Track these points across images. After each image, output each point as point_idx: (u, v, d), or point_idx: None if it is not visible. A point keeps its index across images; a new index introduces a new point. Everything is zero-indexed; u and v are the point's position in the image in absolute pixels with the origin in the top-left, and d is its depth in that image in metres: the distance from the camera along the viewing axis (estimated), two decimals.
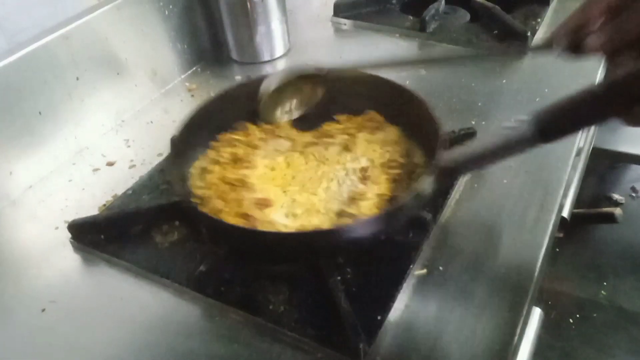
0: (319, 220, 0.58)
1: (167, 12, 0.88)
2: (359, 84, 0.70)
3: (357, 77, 0.70)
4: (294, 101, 0.70)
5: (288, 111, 0.71)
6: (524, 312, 0.53)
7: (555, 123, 0.49)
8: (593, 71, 0.88)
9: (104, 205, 0.69)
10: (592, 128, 0.94)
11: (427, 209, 0.60)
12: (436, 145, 0.57)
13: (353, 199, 0.60)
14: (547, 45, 0.54)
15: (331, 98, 0.70)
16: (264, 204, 0.59)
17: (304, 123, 0.72)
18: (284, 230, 0.57)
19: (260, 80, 0.68)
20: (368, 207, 0.58)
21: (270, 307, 0.54)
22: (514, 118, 0.50)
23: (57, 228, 0.66)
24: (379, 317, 0.52)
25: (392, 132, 0.69)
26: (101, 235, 0.63)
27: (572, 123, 0.50)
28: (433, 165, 0.55)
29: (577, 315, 1.40)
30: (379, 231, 0.56)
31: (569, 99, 0.48)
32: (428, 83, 0.86)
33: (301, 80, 0.68)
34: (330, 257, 0.57)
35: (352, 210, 0.58)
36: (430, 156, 0.60)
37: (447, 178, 0.60)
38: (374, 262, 0.58)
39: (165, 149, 0.75)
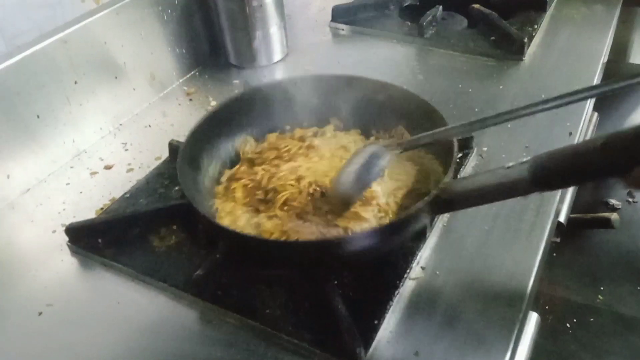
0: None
1: (165, 17, 0.88)
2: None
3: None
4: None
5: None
6: (521, 317, 0.53)
7: (551, 173, 0.47)
8: (589, 78, 0.88)
9: (102, 208, 0.69)
10: (589, 130, 0.94)
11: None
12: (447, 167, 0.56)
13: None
14: None
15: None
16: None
17: None
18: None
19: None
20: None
21: (267, 311, 0.54)
22: (514, 161, 0.49)
23: (54, 231, 0.66)
24: (375, 322, 0.52)
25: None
26: (98, 239, 0.63)
27: (568, 176, 0.48)
28: (434, 192, 0.54)
29: (574, 320, 1.40)
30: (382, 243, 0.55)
31: (570, 151, 0.46)
32: (425, 88, 0.87)
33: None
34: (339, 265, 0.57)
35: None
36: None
37: (441, 209, 0.58)
38: (371, 266, 0.58)
39: (163, 152, 0.76)
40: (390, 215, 0.59)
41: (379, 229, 0.56)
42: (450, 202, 0.54)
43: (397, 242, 0.58)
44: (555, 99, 0.51)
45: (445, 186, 0.54)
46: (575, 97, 0.50)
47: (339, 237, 0.56)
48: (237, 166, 0.69)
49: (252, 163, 0.68)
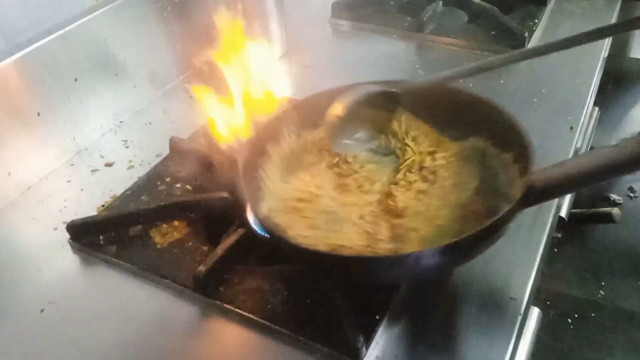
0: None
1: (165, 14, 0.88)
2: (439, 99, 0.64)
3: (436, 92, 0.63)
4: (368, 127, 0.63)
5: (363, 139, 0.63)
6: (522, 312, 0.54)
7: None
8: (590, 72, 0.88)
9: (103, 206, 0.69)
10: (590, 125, 0.94)
11: None
12: (527, 162, 0.52)
13: None
14: None
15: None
16: None
17: None
18: None
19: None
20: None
21: (269, 306, 0.54)
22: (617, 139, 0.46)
23: (55, 229, 0.66)
24: (377, 316, 0.52)
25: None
26: (100, 236, 0.63)
27: None
28: (524, 184, 0.49)
29: (576, 315, 1.40)
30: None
31: None
32: None
33: (373, 100, 0.61)
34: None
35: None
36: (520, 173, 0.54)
37: (534, 201, 0.51)
38: None
39: (164, 149, 0.76)
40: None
41: (470, 236, 0.46)
42: (547, 190, 0.49)
43: (484, 250, 0.51)
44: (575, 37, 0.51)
45: (539, 174, 0.49)
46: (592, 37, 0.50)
47: (425, 250, 0.50)
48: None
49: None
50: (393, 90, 0.62)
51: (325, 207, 0.57)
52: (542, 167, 0.51)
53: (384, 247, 0.52)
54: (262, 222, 0.54)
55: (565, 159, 0.53)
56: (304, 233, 0.54)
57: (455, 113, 0.64)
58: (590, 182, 0.49)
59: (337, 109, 0.59)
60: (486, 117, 0.61)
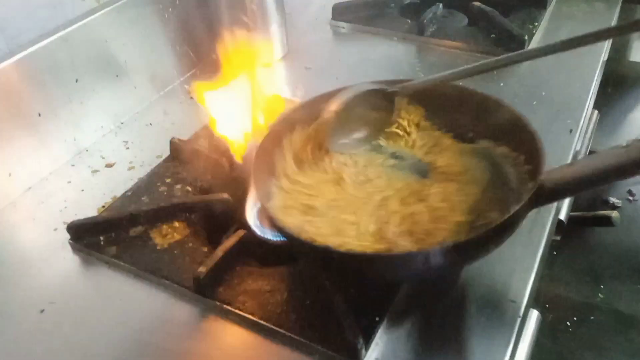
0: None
1: (166, 15, 0.88)
2: (441, 97, 0.64)
3: (436, 89, 0.63)
4: (366, 126, 0.62)
5: (361, 138, 0.63)
6: (521, 315, 0.54)
7: None
8: (590, 74, 0.88)
9: (103, 206, 0.69)
10: (589, 128, 0.95)
11: None
12: (538, 162, 0.51)
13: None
14: None
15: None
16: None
17: None
18: None
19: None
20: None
21: (269, 307, 0.54)
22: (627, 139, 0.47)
23: (56, 229, 0.66)
24: (376, 318, 0.52)
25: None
26: (100, 237, 0.63)
27: None
28: (534, 183, 0.50)
29: (574, 318, 1.40)
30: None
31: None
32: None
33: (372, 100, 0.61)
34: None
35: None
36: (530, 175, 0.54)
37: (545, 201, 0.52)
38: None
39: (164, 150, 0.76)
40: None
41: (480, 235, 0.48)
42: (556, 191, 0.50)
43: (492, 250, 0.52)
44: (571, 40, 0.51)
45: (549, 174, 0.50)
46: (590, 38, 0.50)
47: (429, 249, 0.50)
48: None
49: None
50: (392, 89, 0.62)
51: (331, 205, 0.57)
52: (551, 168, 0.51)
53: (395, 245, 0.51)
54: (273, 221, 0.53)
55: (576, 160, 0.53)
56: (312, 231, 0.54)
57: (461, 112, 0.64)
58: (600, 183, 0.49)
59: (334, 106, 0.59)
60: (493, 115, 0.61)
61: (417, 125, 0.66)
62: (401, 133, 0.65)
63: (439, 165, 0.61)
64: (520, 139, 0.57)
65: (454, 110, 0.64)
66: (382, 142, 0.65)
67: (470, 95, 0.64)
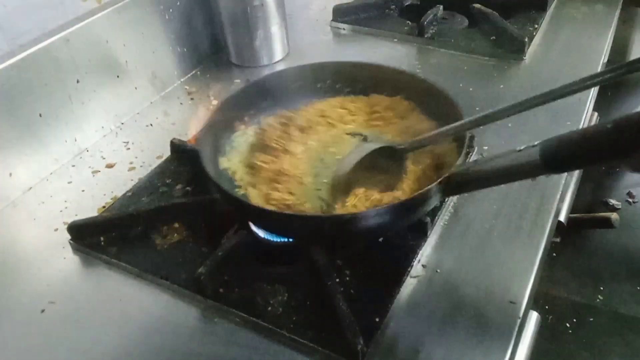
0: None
1: (167, 16, 0.89)
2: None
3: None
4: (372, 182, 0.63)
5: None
6: (521, 316, 0.54)
7: (561, 155, 0.48)
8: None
9: (104, 207, 0.69)
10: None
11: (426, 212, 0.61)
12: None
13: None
14: None
15: None
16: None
17: None
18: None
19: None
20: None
21: (269, 308, 0.54)
22: (525, 145, 0.50)
23: (56, 229, 0.66)
24: (377, 319, 0.52)
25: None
26: (100, 237, 0.63)
27: (578, 158, 0.48)
28: (447, 173, 0.55)
29: (574, 320, 1.40)
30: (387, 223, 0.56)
31: (580, 133, 0.48)
32: None
33: (380, 157, 0.64)
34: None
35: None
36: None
37: (453, 191, 0.58)
38: (372, 264, 0.58)
39: (164, 151, 0.76)
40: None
41: (393, 206, 0.55)
42: (462, 183, 0.55)
43: (407, 222, 0.59)
44: (561, 89, 0.53)
45: (458, 169, 0.56)
46: (580, 85, 0.52)
47: (354, 213, 0.57)
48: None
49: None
50: (400, 146, 0.64)
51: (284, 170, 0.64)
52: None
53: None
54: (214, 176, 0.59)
55: (482, 158, 0.60)
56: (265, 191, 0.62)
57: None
58: (495, 182, 0.56)
59: (344, 167, 0.63)
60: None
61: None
62: None
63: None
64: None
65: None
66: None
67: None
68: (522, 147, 0.50)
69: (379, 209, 0.55)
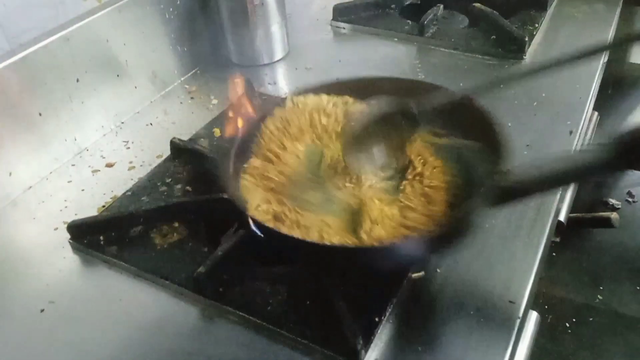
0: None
1: (167, 15, 0.88)
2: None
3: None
4: (382, 146, 0.61)
5: (376, 158, 0.61)
6: (521, 316, 0.54)
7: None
8: (590, 76, 0.88)
9: (103, 206, 0.69)
10: (589, 129, 0.95)
11: None
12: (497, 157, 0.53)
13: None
14: None
15: None
16: None
17: None
18: None
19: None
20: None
21: (269, 308, 0.54)
22: (590, 143, 0.48)
23: (56, 229, 0.66)
24: (376, 319, 0.52)
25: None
26: (100, 236, 0.63)
27: None
28: (495, 181, 0.50)
29: (574, 320, 1.41)
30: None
31: None
32: None
33: (390, 118, 0.60)
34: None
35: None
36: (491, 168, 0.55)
37: (499, 201, 0.52)
38: None
39: (164, 150, 0.76)
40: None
41: (433, 234, 0.50)
42: (511, 191, 0.51)
43: (447, 247, 0.54)
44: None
45: (504, 175, 0.51)
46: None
47: (389, 244, 0.52)
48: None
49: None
50: (410, 110, 0.61)
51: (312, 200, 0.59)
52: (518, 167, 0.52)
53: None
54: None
55: (531, 162, 0.53)
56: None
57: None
58: (552, 186, 0.53)
59: (351, 128, 0.59)
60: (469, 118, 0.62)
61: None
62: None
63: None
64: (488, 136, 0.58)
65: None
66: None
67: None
68: (584, 147, 0.48)
69: (415, 238, 0.50)
